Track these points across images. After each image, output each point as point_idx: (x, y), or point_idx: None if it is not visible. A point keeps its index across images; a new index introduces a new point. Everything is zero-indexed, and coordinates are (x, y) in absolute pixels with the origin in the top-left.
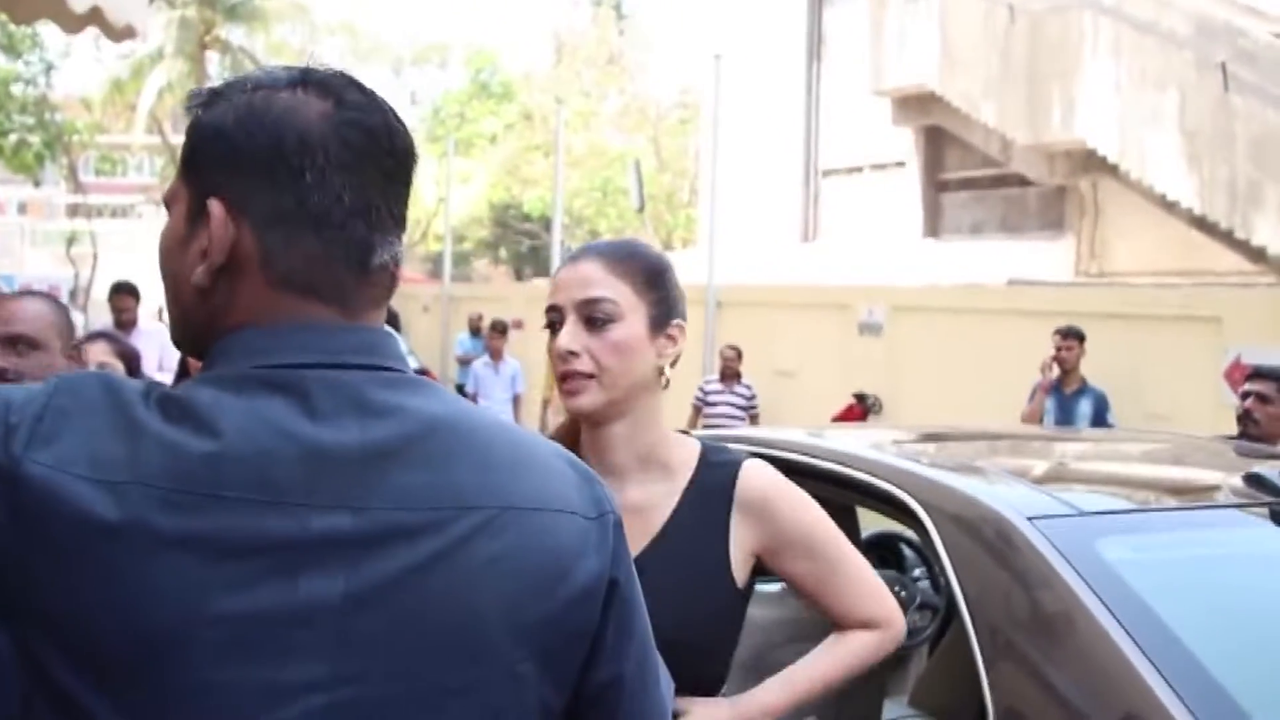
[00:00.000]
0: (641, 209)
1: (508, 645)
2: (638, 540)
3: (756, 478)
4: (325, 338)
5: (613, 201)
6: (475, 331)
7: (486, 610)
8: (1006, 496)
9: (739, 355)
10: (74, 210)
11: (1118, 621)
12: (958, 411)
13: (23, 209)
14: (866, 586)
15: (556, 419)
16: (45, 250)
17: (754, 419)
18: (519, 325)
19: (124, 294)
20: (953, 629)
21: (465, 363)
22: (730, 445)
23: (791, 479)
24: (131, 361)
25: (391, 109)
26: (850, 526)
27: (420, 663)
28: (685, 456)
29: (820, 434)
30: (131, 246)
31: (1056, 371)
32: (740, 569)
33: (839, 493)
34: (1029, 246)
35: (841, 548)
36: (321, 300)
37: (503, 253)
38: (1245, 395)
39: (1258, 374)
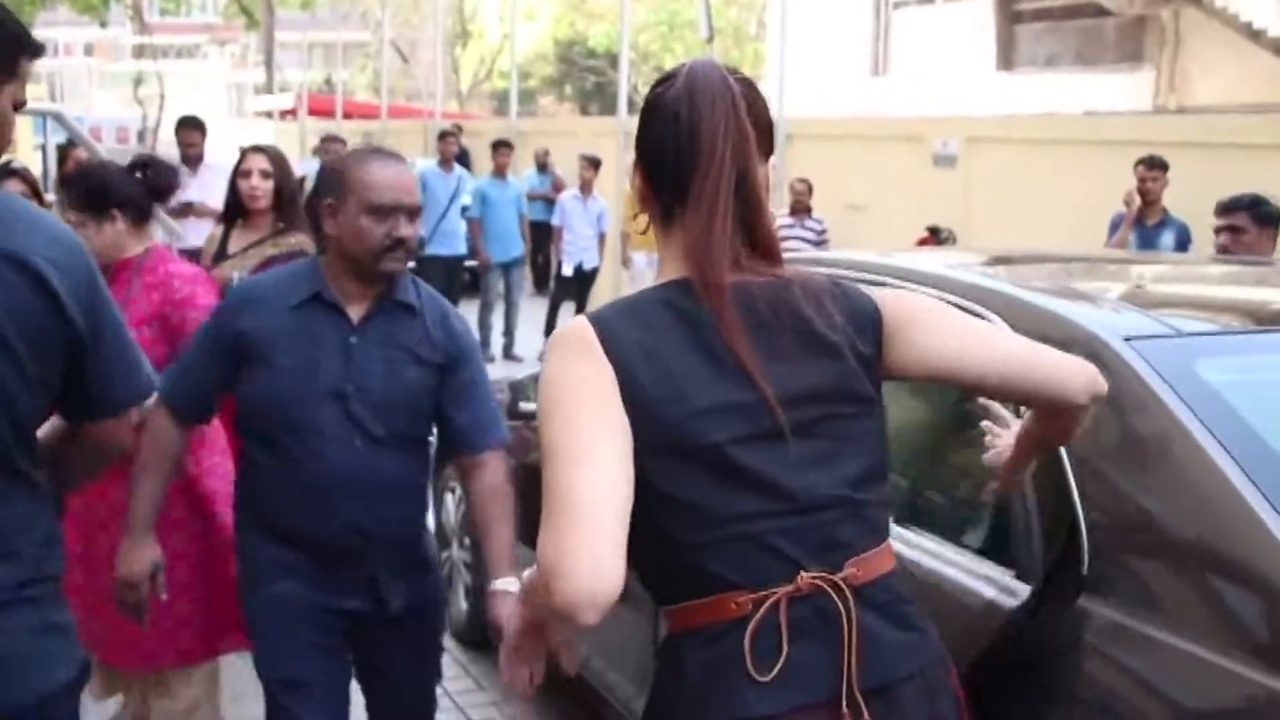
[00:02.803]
0: (710, 41)
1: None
2: None
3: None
4: None
5: (679, 36)
6: (542, 168)
7: None
8: (1100, 317)
9: (809, 189)
10: (140, 51)
11: (1220, 444)
12: (1034, 243)
13: (89, 50)
14: (542, 520)
15: (635, 253)
16: (113, 91)
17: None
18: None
19: (190, 128)
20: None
21: (534, 198)
22: (803, 269)
23: None
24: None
25: None
26: None
27: None
28: None
29: (896, 255)
30: (198, 86)
31: (1139, 202)
32: None
33: None
34: (1105, 80)
35: (545, 453)
36: None
37: (568, 89)
38: (1218, 230)
39: (1226, 206)
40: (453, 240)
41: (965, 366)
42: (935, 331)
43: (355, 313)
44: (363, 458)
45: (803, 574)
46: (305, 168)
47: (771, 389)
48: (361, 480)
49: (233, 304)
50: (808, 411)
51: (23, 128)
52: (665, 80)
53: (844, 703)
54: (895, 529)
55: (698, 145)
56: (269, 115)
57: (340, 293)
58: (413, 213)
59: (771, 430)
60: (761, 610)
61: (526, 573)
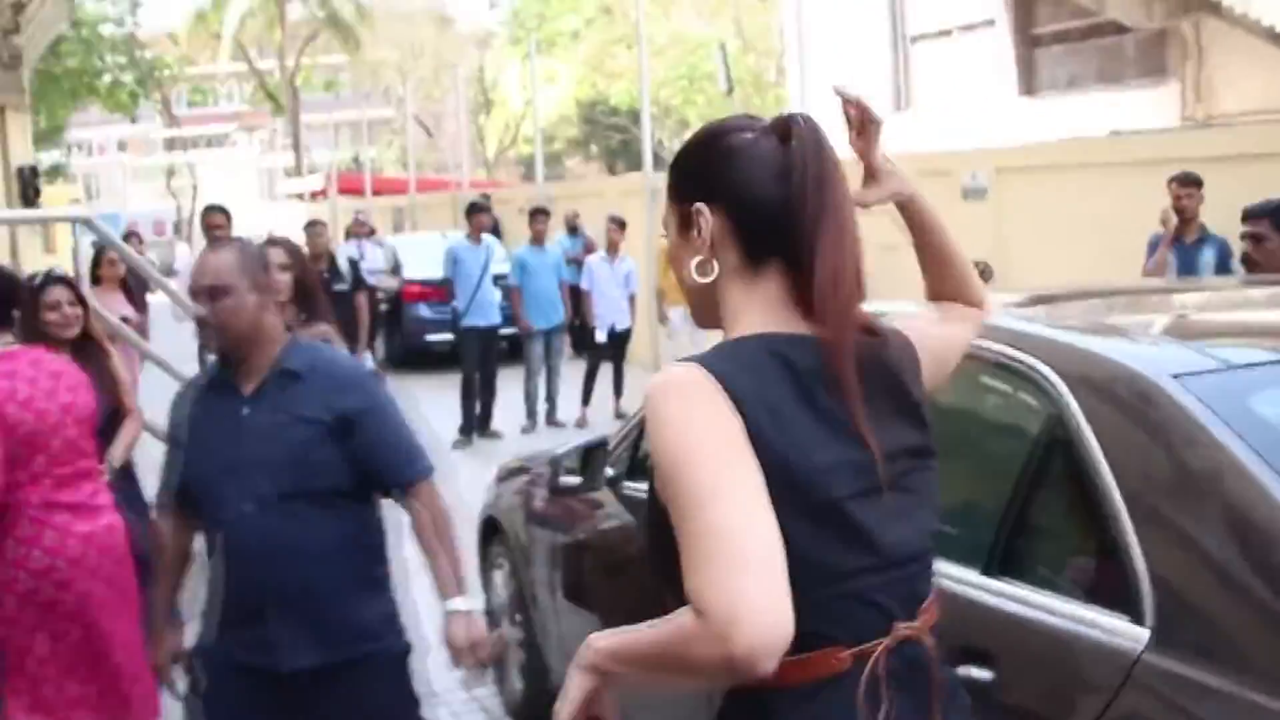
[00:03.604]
0: (730, 92)
1: None
2: None
3: (654, 380)
4: None
5: (700, 89)
6: (573, 230)
7: None
8: (1146, 354)
9: None
10: (171, 143)
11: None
12: (1072, 272)
13: (122, 147)
14: (692, 560)
15: (672, 310)
16: (146, 185)
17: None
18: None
19: (214, 213)
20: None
21: (569, 261)
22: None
23: None
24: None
25: None
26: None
27: None
28: None
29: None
30: (229, 173)
31: (1176, 221)
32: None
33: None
34: (1129, 96)
35: (685, 500)
36: None
37: (593, 149)
38: (1243, 237)
39: (1249, 214)
40: (488, 311)
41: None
42: (940, 340)
43: (248, 388)
44: (254, 522)
45: (897, 625)
46: (346, 251)
47: (880, 447)
48: (254, 544)
49: (173, 401)
50: (897, 467)
51: (63, 232)
52: (749, 126)
53: None
54: None
55: (824, 199)
56: (300, 197)
57: (235, 372)
58: (212, 292)
59: (876, 487)
60: (868, 664)
61: (604, 637)
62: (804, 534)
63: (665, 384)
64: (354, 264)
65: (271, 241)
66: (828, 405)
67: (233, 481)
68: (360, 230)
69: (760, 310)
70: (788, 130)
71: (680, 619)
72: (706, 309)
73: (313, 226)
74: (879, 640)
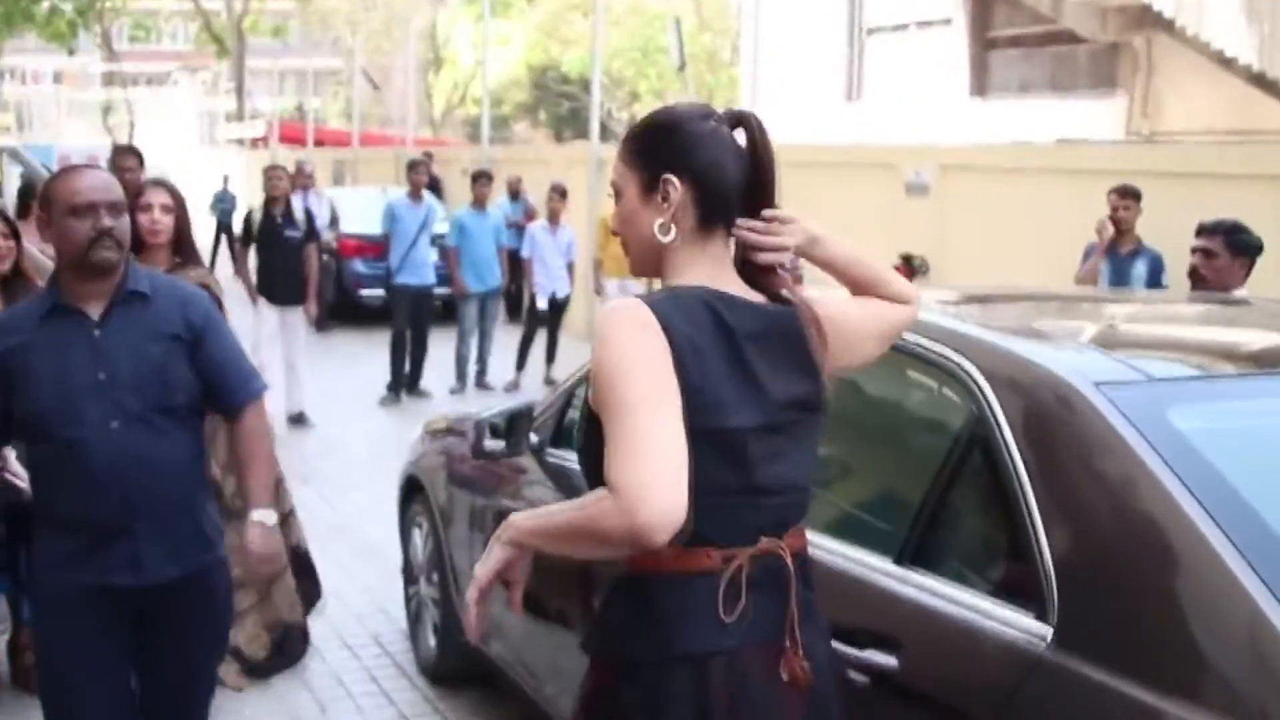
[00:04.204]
0: (682, 68)
1: None
2: None
3: (603, 309)
4: None
5: (653, 61)
6: (514, 195)
7: None
8: (1071, 361)
9: None
10: (109, 79)
11: (1191, 494)
12: (1007, 273)
13: (58, 78)
14: (614, 449)
15: (608, 281)
16: (82, 120)
17: (798, 281)
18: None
19: (128, 154)
20: (999, 499)
21: (508, 226)
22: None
23: None
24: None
25: None
26: None
27: None
28: None
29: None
30: (168, 114)
31: (1111, 231)
32: None
33: (888, 356)
34: (1078, 106)
35: (615, 400)
36: None
37: (542, 115)
38: (1193, 250)
39: (1202, 229)
40: (421, 270)
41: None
42: (853, 321)
43: (95, 311)
44: (121, 438)
45: (763, 539)
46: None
47: (776, 395)
48: (122, 459)
49: None
50: (789, 415)
51: None
52: (710, 115)
53: (790, 642)
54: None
55: (766, 179)
56: (240, 143)
57: (76, 297)
58: (114, 207)
59: (768, 427)
60: (731, 565)
61: (525, 517)
62: (702, 451)
63: (615, 311)
64: (309, 215)
65: (156, 182)
66: (742, 354)
67: (96, 401)
68: (303, 181)
69: (705, 268)
70: (738, 123)
71: (595, 498)
72: (649, 262)
73: (273, 170)
74: (746, 548)
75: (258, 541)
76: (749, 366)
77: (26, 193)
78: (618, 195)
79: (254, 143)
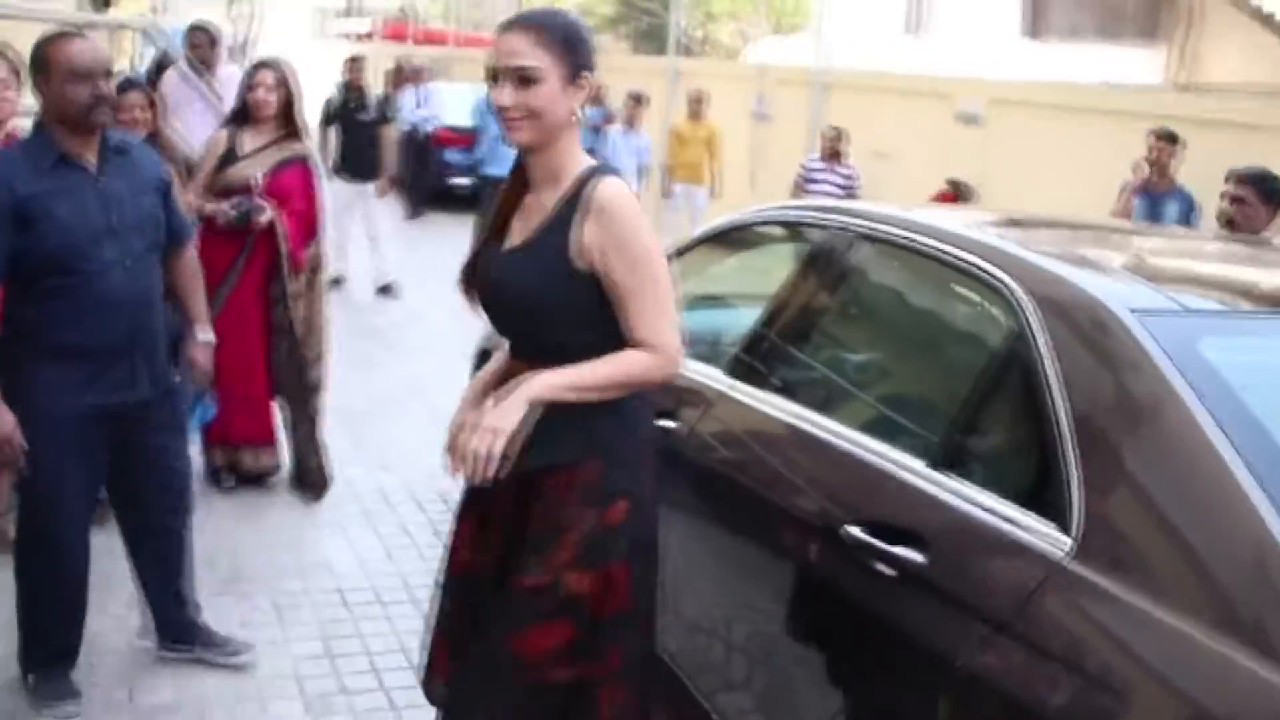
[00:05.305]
0: None
1: None
2: (531, 230)
3: (605, 189)
4: None
5: None
6: (596, 100)
7: None
8: (1110, 287)
9: (840, 135)
10: None
11: (1215, 422)
12: (1048, 205)
13: None
14: (657, 315)
15: (677, 185)
16: (208, 9)
17: (854, 199)
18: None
19: (200, 32)
20: (1033, 412)
21: (585, 128)
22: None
23: (888, 255)
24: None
25: None
26: None
27: None
28: (577, 174)
29: (918, 211)
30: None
31: (1146, 172)
32: (578, 256)
33: (933, 270)
34: (1123, 53)
35: (655, 274)
36: None
37: (623, 29)
38: (1223, 195)
39: (1234, 177)
40: (505, 162)
41: None
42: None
43: (90, 162)
44: (131, 274)
45: None
46: (410, 97)
47: None
48: (130, 291)
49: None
50: None
51: (129, 40)
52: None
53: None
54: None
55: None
56: (347, 38)
57: (74, 149)
58: (107, 74)
59: None
60: None
61: (555, 375)
62: None
63: (628, 194)
64: (383, 100)
65: (264, 63)
66: None
67: (113, 241)
68: (417, 77)
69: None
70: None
71: (634, 355)
72: (548, 135)
73: (354, 61)
74: None
75: (201, 357)
76: None
77: (160, 68)
78: (534, 81)
79: (360, 37)
